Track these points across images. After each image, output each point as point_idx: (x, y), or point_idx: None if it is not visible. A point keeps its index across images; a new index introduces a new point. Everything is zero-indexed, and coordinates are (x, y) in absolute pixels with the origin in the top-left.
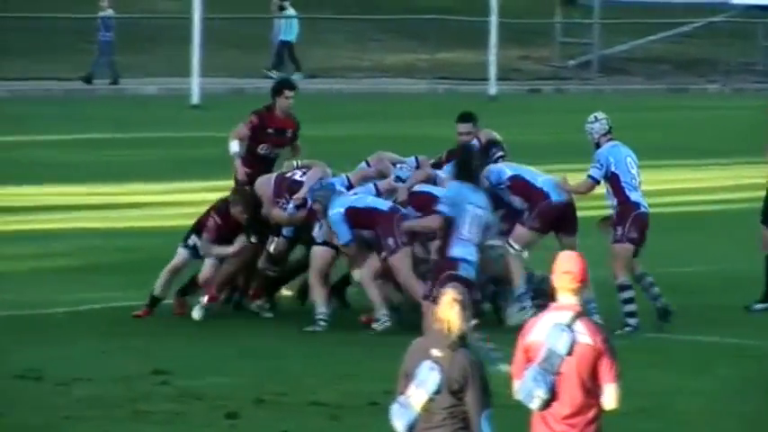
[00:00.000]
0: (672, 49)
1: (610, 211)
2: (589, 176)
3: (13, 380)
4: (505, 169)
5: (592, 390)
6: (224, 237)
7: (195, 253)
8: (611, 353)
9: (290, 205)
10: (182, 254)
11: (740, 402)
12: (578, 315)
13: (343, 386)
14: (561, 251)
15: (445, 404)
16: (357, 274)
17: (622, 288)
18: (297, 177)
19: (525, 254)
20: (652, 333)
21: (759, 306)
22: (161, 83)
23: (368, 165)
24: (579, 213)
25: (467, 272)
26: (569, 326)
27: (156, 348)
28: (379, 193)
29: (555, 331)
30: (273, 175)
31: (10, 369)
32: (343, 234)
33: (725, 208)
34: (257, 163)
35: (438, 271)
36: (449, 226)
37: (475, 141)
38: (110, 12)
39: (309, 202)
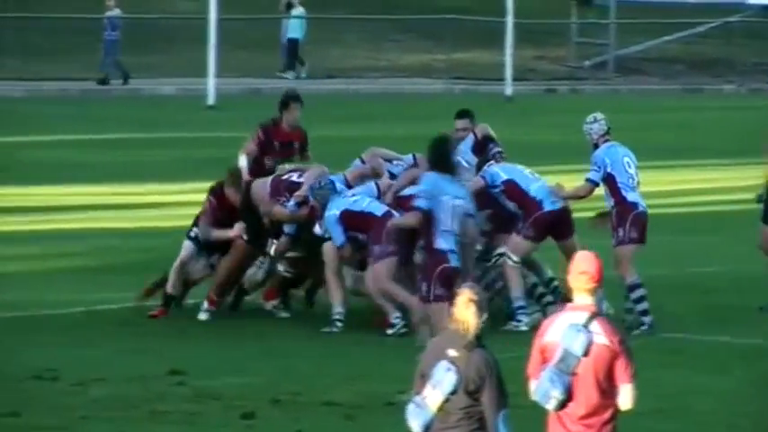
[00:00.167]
0: (687, 49)
1: (607, 207)
2: (588, 180)
3: (30, 380)
4: (500, 173)
5: (608, 390)
6: (221, 221)
7: (200, 244)
8: (628, 353)
9: (291, 203)
10: (188, 247)
11: (756, 403)
12: (594, 315)
13: (359, 386)
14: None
15: (461, 404)
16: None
17: (632, 288)
18: (294, 179)
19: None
20: (668, 333)
21: None
22: (177, 83)
23: (362, 162)
24: (577, 214)
25: (456, 262)
26: (585, 326)
27: (172, 349)
28: (380, 193)
29: (571, 332)
30: (269, 179)
31: (27, 369)
32: (337, 236)
33: (740, 208)
34: (264, 174)
35: (431, 267)
36: (430, 219)
37: (471, 136)
38: (117, 11)
39: (311, 200)
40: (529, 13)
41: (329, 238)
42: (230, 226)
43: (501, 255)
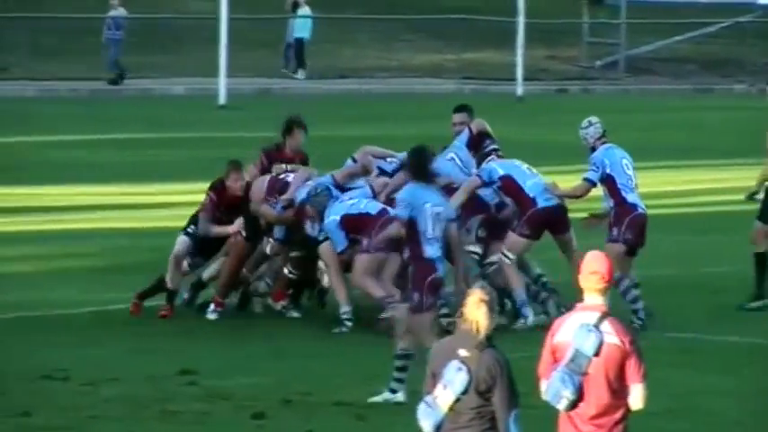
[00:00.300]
0: (698, 49)
1: (605, 208)
2: (585, 179)
3: (41, 380)
4: (497, 168)
5: (619, 390)
6: (220, 219)
7: (195, 241)
8: (638, 353)
9: (278, 206)
10: (183, 241)
11: (765, 402)
12: (605, 315)
13: (370, 386)
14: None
15: (472, 404)
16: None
17: (617, 283)
18: (289, 179)
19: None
20: (677, 333)
21: (755, 304)
22: (188, 83)
23: (354, 161)
24: (571, 215)
25: (442, 272)
26: (596, 326)
27: (182, 348)
28: (375, 194)
29: (582, 332)
30: (267, 177)
31: (37, 369)
32: (340, 242)
33: (751, 208)
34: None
35: (421, 277)
36: (413, 228)
37: (466, 131)
38: (121, 11)
39: (296, 203)
40: (540, 12)
41: (325, 240)
42: (229, 223)
43: (493, 263)
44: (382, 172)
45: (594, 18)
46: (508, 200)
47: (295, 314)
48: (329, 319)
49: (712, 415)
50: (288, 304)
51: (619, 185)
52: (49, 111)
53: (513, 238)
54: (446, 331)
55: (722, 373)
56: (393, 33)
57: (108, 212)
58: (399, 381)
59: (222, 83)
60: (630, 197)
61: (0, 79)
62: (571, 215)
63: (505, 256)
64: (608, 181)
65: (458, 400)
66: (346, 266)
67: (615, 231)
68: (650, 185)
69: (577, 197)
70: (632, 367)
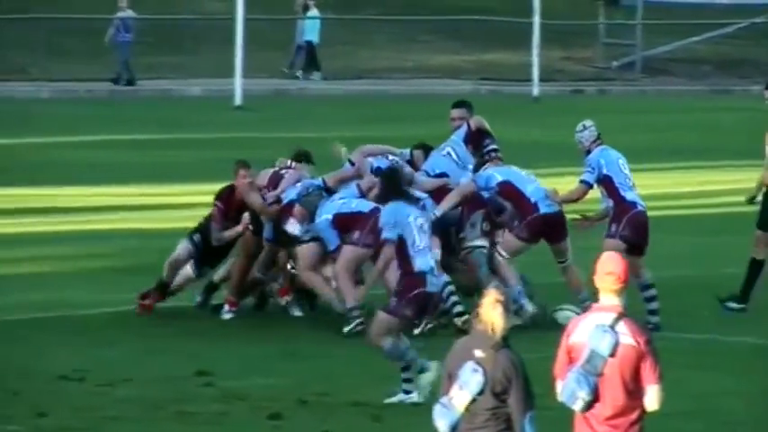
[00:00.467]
0: (714, 49)
1: (601, 207)
2: (582, 181)
3: (57, 380)
4: (495, 175)
5: (634, 391)
6: (230, 225)
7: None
8: (654, 354)
9: (267, 201)
10: (185, 247)
11: None
12: (621, 316)
13: (386, 387)
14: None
15: (488, 405)
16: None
17: None
18: (287, 176)
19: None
20: (693, 334)
21: (733, 305)
22: (204, 84)
23: (352, 164)
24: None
25: (433, 285)
26: (612, 327)
27: (199, 349)
28: (362, 194)
29: (598, 332)
30: (271, 171)
31: (53, 369)
32: (332, 241)
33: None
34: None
35: (407, 287)
36: (401, 245)
37: (464, 127)
38: (129, 12)
39: (284, 201)
40: (556, 13)
41: (307, 241)
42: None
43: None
44: (378, 170)
45: (610, 19)
46: (507, 204)
47: (297, 312)
48: (345, 319)
49: (727, 416)
50: (291, 300)
51: (617, 184)
52: (66, 112)
53: (509, 238)
54: (460, 331)
55: (737, 374)
56: (410, 34)
57: (125, 213)
58: (409, 381)
59: (238, 84)
60: (629, 195)
61: (17, 80)
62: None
63: (499, 254)
64: (605, 181)
65: (473, 400)
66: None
67: (613, 228)
68: (665, 186)
69: (575, 200)
70: (648, 368)
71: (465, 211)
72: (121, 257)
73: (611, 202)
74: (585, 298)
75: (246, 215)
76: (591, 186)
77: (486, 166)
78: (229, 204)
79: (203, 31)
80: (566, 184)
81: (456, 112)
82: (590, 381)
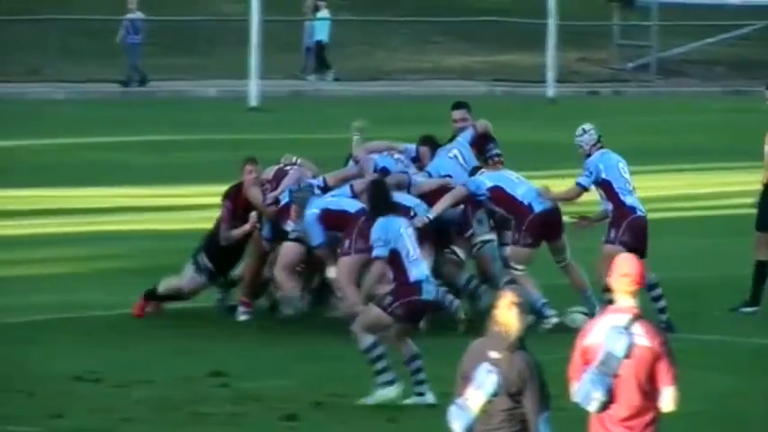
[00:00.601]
0: (729, 51)
1: (599, 209)
2: (577, 183)
3: (72, 381)
4: (485, 181)
5: (649, 392)
6: (238, 225)
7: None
8: (670, 355)
9: (267, 201)
10: (192, 278)
11: None
12: (636, 317)
13: (402, 388)
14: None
15: (503, 406)
16: (332, 272)
17: (608, 289)
18: (288, 176)
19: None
20: (709, 335)
21: (747, 309)
22: (220, 85)
23: (356, 163)
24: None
25: (428, 293)
26: (627, 328)
27: (214, 350)
28: (354, 195)
29: (613, 334)
30: (276, 167)
31: (69, 370)
32: (317, 235)
33: None
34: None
35: (402, 293)
36: (396, 257)
37: (471, 130)
38: (138, 14)
39: (283, 202)
40: (571, 15)
41: (294, 240)
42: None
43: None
44: (385, 173)
45: (625, 20)
46: (499, 211)
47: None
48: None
49: (741, 417)
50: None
51: (616, 189)
52: (80, 113)
53: (516, 250)
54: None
55: (750, 374)
56: (424, 36)
57: (139, 214)
58: (420, 383)
59: (253, 85)
60: (629, 200)
61: (31, 81)
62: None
63: (513, 269)
64: (604, 185)
65: (489, 402)
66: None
67: (613, 233)
68: (680, 187)
69: (567, 200)
70: (663, 369)
71: (469, 209)
72: (136, 259)
73: (610, 206)
74: (590, 295)
75: (254, 214)
76: (585, 189)
77: (480, 171)
78: (237, 203)
79: (218, 32)
80: None
81: (458, 114)
82: (605, 382)
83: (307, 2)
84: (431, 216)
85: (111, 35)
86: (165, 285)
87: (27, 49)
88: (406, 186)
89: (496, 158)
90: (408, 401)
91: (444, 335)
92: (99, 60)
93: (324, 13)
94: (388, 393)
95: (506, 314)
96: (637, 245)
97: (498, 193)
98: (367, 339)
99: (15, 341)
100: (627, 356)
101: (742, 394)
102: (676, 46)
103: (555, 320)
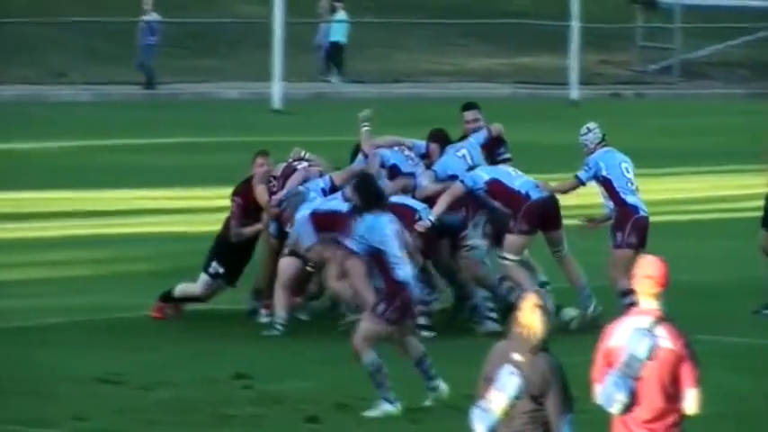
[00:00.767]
0: (752, 53)
1: (605, 211)
2: (575, 176)
3: (95, 383)
4: (482, 174)
5: (673, 394)
6: (249, 222)
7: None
8: (693, 357)
9: (272, 203)
10: (206, 282)
11: None
12: (660, 320)
13: (424, 390)
14: (639, 256)
15: (526, 409)
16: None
17: (625, 293)
18: (298, 168)
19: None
20: (730, 338)
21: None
22: (243, 87)
23: (365, 156)
24: (568, 222)
25: (413, 290)
26: (650, 330)
27: (237, 352)
28: (347, 200)
29: (636, 336)
30: (285, 164)
31: (92, 372)
32: (308, 237)
33: None
34: None
35: (391, 294)
36: (381, 257)
37: (484, 131)
38: (154, 15)
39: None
40: (593, 17)
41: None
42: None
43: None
44: (395, 170)
45: (648, 22)
46: (497, 204)
47: (303, 317)
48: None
49: (764, 419)
50: (301, 302)
51: (617, 188)
52: (105, 115)
53: (511, 238)
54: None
55: None
56: (447, 38)
57: (163, 216)
58: (431, 378)
59: (276, 87)
60: (630, 199)
61: (57, 83)
62: (565, 221)
63: (505, 258)
64: (604, 183)
65: (511, 404)
66: None
67: (619, 236)
68: (704, 189)
69: (564, 192)
70: (686, 372)
71: (470, 212)
72: (160, 261)
73: (611, 204)
74: (584, 286)
75: (266, 216)
76: (582, 183)
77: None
78: (248, 199)
79: (240, 34)
80: None
81: (470, 114)
82: (628, 384)
83: (321, 3)
84: (432, 219)
85: (134, 37)
86: (180, 290)
87: (53, 51)
88: (411, 190)
89: (507, 162)
90: (427, 403)
91: (465, 336)
92: (122, 62)
93: (341, 14)
94: (390, 409)
95: (529, 316)
96: (641, 245)
97: (496, 186)
98: (369, 356)
99: (38, 343)
100: (650, 358)
101: (764, 396)
102: (699, 48)
103: (492, 328)
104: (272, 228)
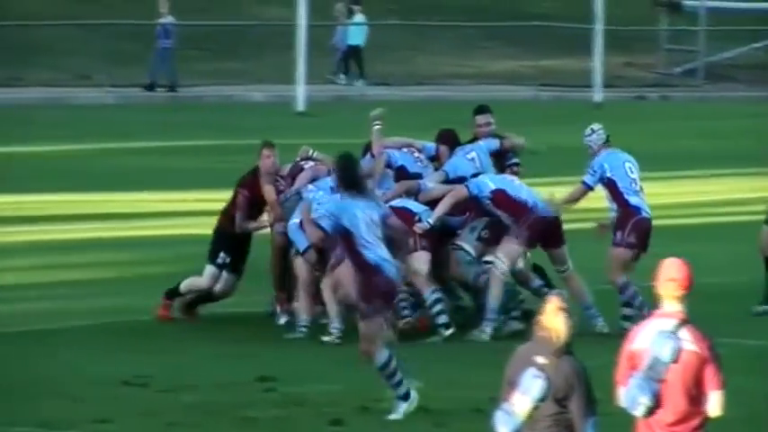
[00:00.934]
0: None
1: (611, 215)
2: (582, 182)
3: (120, 386)
4: (488, 183)
5: (696, 397)
6: (254, 214)
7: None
8: (717, 360)
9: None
10: (211, 274)
11: None
12: (683, 322)
13: (448, 393)
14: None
15: (549, 411)
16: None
17: (623, 288)
18: (306, 167)
19: (522, 263)
20: (753, 340)
21: (761, 308)
22: (266, 90)
23: (372, 156)
24: (577, 225)
25: (389, 271)
26: (674, 333)
27: (261, 355)
28: None
29: (660, 338)
30: (293, 164)
31: (117, 375)
32: (301, 243)
33: None
34: None
35: (366, 285)
36: (349, 239)
37: (496, 141)
38: (170, 18)
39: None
40: (617, 19)
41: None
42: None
43: (489, 262)
44: (402, 172)
45: (673, 25)
46: (501, 215)
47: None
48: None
49: None
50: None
51: (621, 189)
52: (129, 117)
53: (511, 243)
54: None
55: None
56: (470, 40)
57: (186, 219)
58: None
59: (300, 89)
60: (634, 200)
61: (82, 86)
62: (577, 226)
63: (500, 260)
64: (609, 184)
65: (535, 407)
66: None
67: (619, 236)
68: (727, 192)
69: (575, 201)
70: (710, 374)
71: (472, 216)
72: (180, 263)
73: (614, 206)
74: (589, 305)
75: (265, 216)
76: (590, 188)
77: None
78: (254, 191)
79: (264, 37)
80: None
81: (482, 118)
82: (652, 387)
83: (337, 6)
84: (431, 221)
85: (155, 40)
86: (187, 285)
87: (78, 54)
88: (414, 193)
89: (515, 168)
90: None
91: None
92: (147, 65)
93: (359, 17)
94: (411, 404)
95: (553, 319)
96: (642, 246)
97: (501, 196)
98: (381, 355)
99: (61, 346)
100: (674, 361)
101: None
102: (724, 51)
103: (486, 338)
104: (279, 226)
